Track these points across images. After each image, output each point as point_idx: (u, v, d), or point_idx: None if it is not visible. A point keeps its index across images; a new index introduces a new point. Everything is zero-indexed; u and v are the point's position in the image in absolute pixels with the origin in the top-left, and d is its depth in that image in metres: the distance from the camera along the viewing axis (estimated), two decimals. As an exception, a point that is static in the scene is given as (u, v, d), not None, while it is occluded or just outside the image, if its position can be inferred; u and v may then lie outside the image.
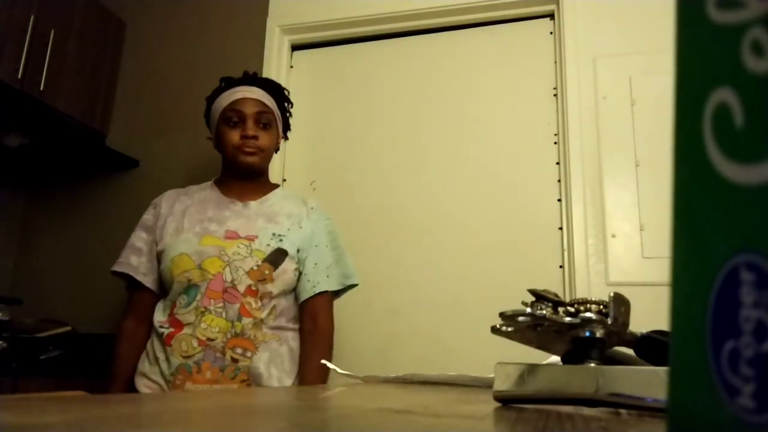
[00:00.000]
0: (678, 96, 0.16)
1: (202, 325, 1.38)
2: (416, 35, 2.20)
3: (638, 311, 0.50)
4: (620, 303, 0.40)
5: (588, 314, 0.40)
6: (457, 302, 1.89)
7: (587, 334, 0.40)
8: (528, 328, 0.42)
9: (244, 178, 1.57)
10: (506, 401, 0.40)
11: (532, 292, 0.43)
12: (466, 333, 1.81)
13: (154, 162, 2.25)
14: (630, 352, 0.47)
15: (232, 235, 1.46)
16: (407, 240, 2.00)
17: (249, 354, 1.38)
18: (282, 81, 2.09)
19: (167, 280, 1.46)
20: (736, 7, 0.14)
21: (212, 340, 1.37)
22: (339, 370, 0.93)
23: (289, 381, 1.44)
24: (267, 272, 1.43)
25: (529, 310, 0.42)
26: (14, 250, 2.34)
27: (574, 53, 1.93)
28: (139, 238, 1.55)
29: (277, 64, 2.20)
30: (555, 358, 0.49)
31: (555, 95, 1.99)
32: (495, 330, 0.44)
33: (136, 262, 1.52)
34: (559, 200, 1.90)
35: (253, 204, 1.55)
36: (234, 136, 1.53)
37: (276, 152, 1.66)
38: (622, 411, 0.37)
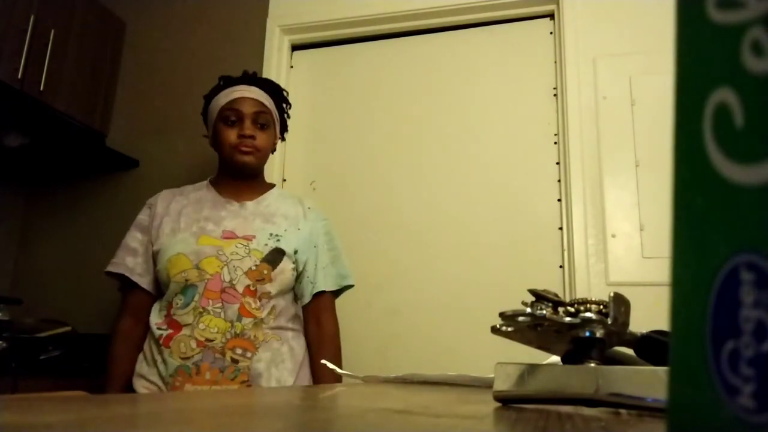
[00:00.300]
0: (678, 96, 0.16)
1: (201, 325, 1.37)
2: (416, 35, 2.20)
3: (638, 311, 0.50)
4: (620, 303, 0.40)
5: (588, 314, 0.40)
6: (457, 302, 1.89)
7: (587, 334, 0.40)
8: (528, 328, 0.42)
9: (240, 177, 1.56)
10: (506, 401, 0.40)
11: (532, 292, 0.43)
12: (466, 333, 1.81)
13: (154, 162, 2.26)
14: (630, 352, 0.47)
15: (229, 235, 1.46)
16: (407, 240, 2.00)
17: (249, 354, 1.38)
18: (282, 81, 2.09)
19: (164, 281, 1.45)
20: (736, 7, 0.14)
21: (211, 340, 1.36)
22: (339, 370, 0.93)
23: (290, 380, 1.44)
24: (265, 272, 1.43)
25: (529, 310, 0.42)
26: (14, 250, 2.34)
27: (574, 53, 1.93)
28: (134, 239, 1.54)
29: (277, 64, 2.20)
30: (555, 358, 0.49)
31: (555, 95, 1.99)
32: (495, 330, 0.44)
33: (131, 263, 1.51)
34: (559, 200, 1.90)
35: (249, 204, 1.55)
36: (231, 135, 1.52)
37: (273, 152, 1.65)
38: (622, 411, 0.37)
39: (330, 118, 2.21)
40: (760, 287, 0.13)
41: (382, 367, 1.59)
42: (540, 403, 0.40)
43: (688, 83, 0.16)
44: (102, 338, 1.67)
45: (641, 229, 1.75)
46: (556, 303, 0.42)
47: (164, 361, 1.37)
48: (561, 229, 1.87)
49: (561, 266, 1.84)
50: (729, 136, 0.14)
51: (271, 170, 2.05)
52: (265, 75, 2.05)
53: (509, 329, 0.43)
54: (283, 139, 1.74)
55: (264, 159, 1.59)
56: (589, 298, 0.41)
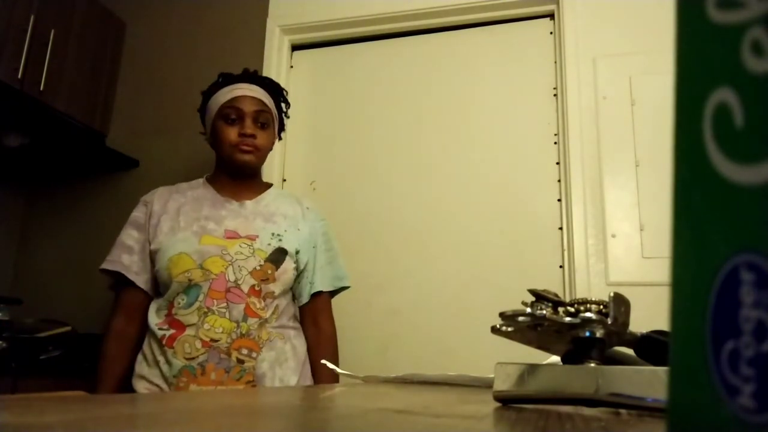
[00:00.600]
0: (678, 96, 0.16)
1: (206, 325, 1.35)
2: (416, 35, 2.20)
3: (638, 311, 0.50)
4: (620, 303, 0.40)
5: (588, 314, 0.40)
6: (457, 302, 1.89)
7: (587, 334, 0.40)
8: (528, 328, 0.42)
9: (239, 176, 1.55)
10: (506, 401, 0.40)
11: (532, 292, 0.43)
12: (466, 333, 1.81)
13: (154, 162, 2.25)
14: (630, 352, 0.47)
15: (232, 235, 1.45)
16: (407, 240, 2.00)
17: (254, 354, 1.37)
18: (282, 81, 2.09)
19: (164, 280, 1.43)
20: (736, 7, 0.14)
21: (216, 341, 1.34)
22: (338, 370, 0.93)
23: (294, 379, 1.44)
24: (270, 272, 1.43)
25: (529, 310, 0.42)
26: (14, 250, 2.34)
27: (574, 53, 1.93)
28: (129, 237, 1.51)
29: (277, 64, 2.20)
30: (555, 358, 0.49)
31: (555, 95, 1.99)
32: (495, 330, 0.44)
33: (128, 261, 1.49)
34: (559, 200, 1.90)
35: (249, 203, 1.54)
36: (231, 133, 1.51)
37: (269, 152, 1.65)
38: (622, 411, 0.37)
39: (330, 118, 2.21)
40: (760, 287, 0.13)
41: (382, 367, 1.58)
42: (540, 403, 0.40)
43: (688, 83, 0.16)
44: (102, 338, 1.67)
45: (641, 229, 1.75)
46: (556, 303, 0.42)
47: (168, 362, 1.35)
48: (561, 229, 1.87)
49: (561, 266, 1.84)
50: (729, 136, 0.14)
51: (271, 170, 2.05)
52: (265, 75, 2.05)
53: (509, 329, 0.43)
54: (280, 138, 1.74)
55: (263, 158, 1.59)
56: (589, 298, 0.41)
